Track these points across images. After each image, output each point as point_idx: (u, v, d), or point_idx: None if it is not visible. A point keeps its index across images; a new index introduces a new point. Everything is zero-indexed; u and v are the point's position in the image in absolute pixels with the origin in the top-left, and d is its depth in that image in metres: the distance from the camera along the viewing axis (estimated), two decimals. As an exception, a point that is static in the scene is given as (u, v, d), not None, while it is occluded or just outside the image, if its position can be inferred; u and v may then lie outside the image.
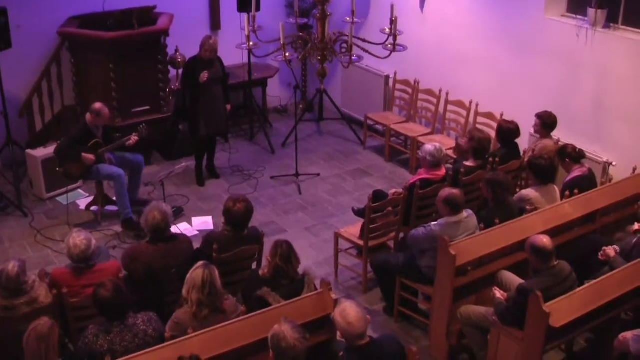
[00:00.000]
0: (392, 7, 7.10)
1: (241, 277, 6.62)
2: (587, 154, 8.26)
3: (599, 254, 6.78)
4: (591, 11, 8.55)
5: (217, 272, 5.65)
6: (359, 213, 8.32)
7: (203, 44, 9.45)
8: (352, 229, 8.08)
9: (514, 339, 6.08)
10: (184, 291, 5.62)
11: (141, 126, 9.03)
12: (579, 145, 8.11)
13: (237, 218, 6.59)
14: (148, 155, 10.51)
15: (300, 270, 6.08)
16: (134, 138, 8.86)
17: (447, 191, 6.95)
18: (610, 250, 6.72)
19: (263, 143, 11.36)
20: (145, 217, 6.47)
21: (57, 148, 8.72)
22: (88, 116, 8.64)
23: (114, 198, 9.05)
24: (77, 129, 8.76)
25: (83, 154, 8.52)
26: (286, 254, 5.95)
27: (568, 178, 7.92)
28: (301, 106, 12.24)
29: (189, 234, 8.13)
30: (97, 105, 8.63)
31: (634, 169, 8.03)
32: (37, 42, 10.04)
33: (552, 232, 6.82)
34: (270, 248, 6.03)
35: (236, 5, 10.81)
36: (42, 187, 9.54)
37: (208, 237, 6.75)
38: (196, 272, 5.57)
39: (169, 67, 10.46)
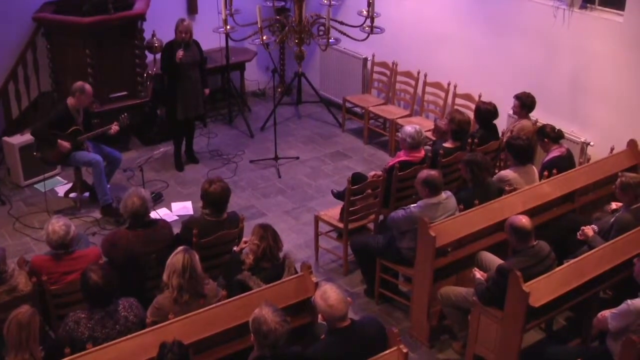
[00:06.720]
0: (369, -11, 7.10)
1: (221, 261, 6.62)
2: (565, 134, 8.29)
3: (578, 233, 6.84)
4: (568, -9, 8.58)
5: (197, 257, 5.64)
6: (338, 196, 8.33)
7: (177, 27, 9.39)
8: (332, 211, 8.09)
9: (494, 318, 6.13)
10: (165, 276, 5.61)
11: (123, 116, 8.97)
12: (557, 125, 8.15)
13: (215, 198, 6.57)
14: (126, 141, 10.49)
15: (280, 253, 6.08)
16: (114, 128, 8.80)
17: (425, 172, 6.96)
18: (589, 230, 6.77)
19: (242, 127, 11.34)
20: (124, 202, 6.44)
21: (34, 129, 8.61)
22: (70, 99, 8.52)
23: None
24: (57, 113, 8.62)
25: (59, 141, 8.43)
26: (275, 234, 5.99)
27: (546, 158, 7.96)
28: (279, 89, 12.21)
29: (168, 219, 8.09)
30: (79, 83, 8.52)
31: (612, 149, 8.09)
32: (11, 28, 9.92)
33: (531, 212, 6.88)
34: (254, 233, 6.01)
35: (213, -11, 10.76)
36: (19, 174, 9.47)
37: (187, 222, 6.73)
38: (176, 257, 5.56)
39: (146, 52, 10.38)
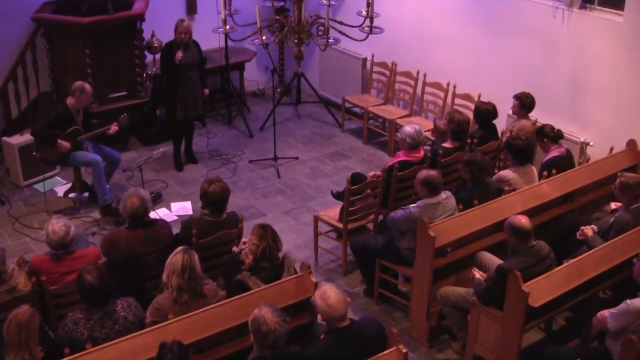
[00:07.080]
0: (368, -11, 7.09)
1: (221, 262, 6.62)
2: (565, 134, 8.29)
3: (577, 233, 6.83)
4: (567, -8, 8.58)
5: (196, 257, 5.64)
6: (338, 196, 8.33)
7: (176, 27, 9.39)
8: (332, 211, 8.09)
9: (494, 318, 6.12)
10: (164, 276, 5.61)
11: (122, 116, 8.97)
12: (556, 125, 8.15)
13: (214, 198, 6.57)
14: (126, 141, 10.48)
15: (279, 253, 6.08)
16: (114, 128, 8.79)
17: (425, 172, 6.96)
18: (588, 230, 6.77)
19: (241, 127, 11.33)
20: (124, 203, 6.44)
21: (34, 129, 8.61)
22: (69, 99, 8.52)
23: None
24: (57, 113, 8.61)
25: (59, 141, 8.44)
26: (274, 234, 5.98)
27: (546, 158, 7.96)
28: (279, 90, 12.21)
29: (167, 220, 8.10)
30: (79, 83, 8.53)
31: (611, 149, 8.09)
32: (11, 28, 9.92)
33: (530, 212, 6.87)
34: (253, 233, 6.00)
35: (212, -11, 10.75)
36: (19, 174, 9.46)
37: (187, 222, 6.73)
38: (176, 257, 5.56)
39: (145, 52, 10.38)
